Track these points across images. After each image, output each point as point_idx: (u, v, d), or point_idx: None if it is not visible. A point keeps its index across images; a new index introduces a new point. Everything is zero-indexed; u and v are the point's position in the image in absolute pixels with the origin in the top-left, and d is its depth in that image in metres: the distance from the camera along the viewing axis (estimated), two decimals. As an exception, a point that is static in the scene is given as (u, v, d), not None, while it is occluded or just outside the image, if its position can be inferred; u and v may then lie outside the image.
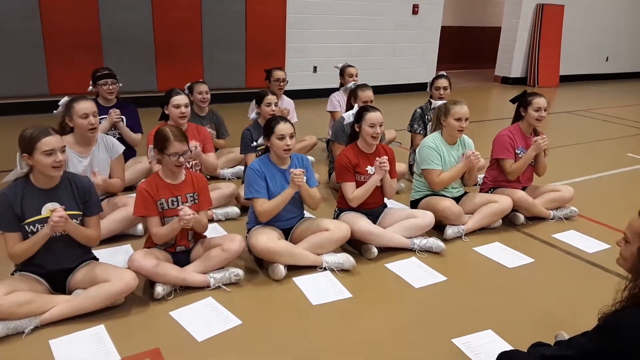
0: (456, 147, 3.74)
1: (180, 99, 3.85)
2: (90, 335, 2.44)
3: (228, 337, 2.50)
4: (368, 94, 4.43)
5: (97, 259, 2.77)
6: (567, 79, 11.89)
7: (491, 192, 3.95)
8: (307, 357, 2.38)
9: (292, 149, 3.11)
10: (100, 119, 4.16)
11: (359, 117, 3.39)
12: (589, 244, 3.64)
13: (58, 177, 2.52)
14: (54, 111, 3.49)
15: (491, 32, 12.95)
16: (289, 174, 3.04)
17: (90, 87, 4.36)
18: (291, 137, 3.07)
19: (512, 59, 11.23)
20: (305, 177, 3.01)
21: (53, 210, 2.42)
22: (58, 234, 2.53)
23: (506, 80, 11.39)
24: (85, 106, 3.29)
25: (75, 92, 3.55)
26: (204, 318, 2.62)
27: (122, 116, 4.27)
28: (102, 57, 6.85)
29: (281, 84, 5.10)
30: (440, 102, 3.91)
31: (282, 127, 3.04)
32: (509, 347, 2.40)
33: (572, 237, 3.74)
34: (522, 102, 3.93)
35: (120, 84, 4.44)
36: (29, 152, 2.41)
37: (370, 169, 3.38)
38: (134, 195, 2.92)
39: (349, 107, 4.52)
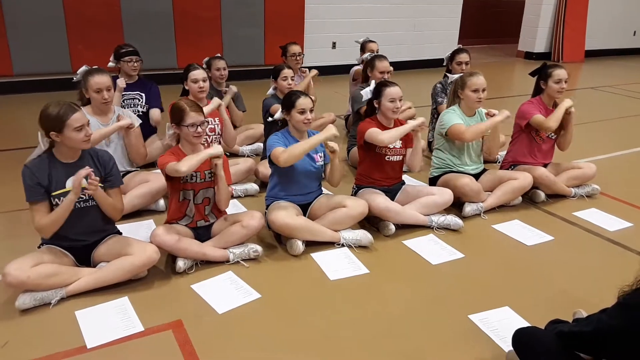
0: (475, 118, 3.70)
1: (198, 73, 3.87)
2: (114, 306, 2.51)
3: (248, 309, 2.55)
4: (385, 65, 4.39)
5: (120, 233, 2.84)
6: (592, 54, 11.58)
7: (511, 170, 3.91)
8: (324, 330, 2.42)
9: (311, 123, 3.15)
10: (124, 95, 4.22)
11: (377, 92, 3.38)
12: (610, 222, 3.60)
13: (82, 149, 2.58)
14: (73, 78, 3.52)
15: (514, 5, 12.61)
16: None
17: (111, 63, 4.35)
18: (311, 111, 3.11)
19: (536, 33, 10.96)
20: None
21: (85, 175, 2.44)
22: (83, 205, 2.58)
23: (529, 56, 11.14)
24: (99, 80, 3.32)
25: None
26: (224, 291, 2.67)
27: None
28: (123, 33, 6.88)
29: (297, 58, 5.08)
30: (456, 76, 3.86)
31: (302, 102, 3.07)
32: (526, 324, 2.41)
33: (593, 215, 3.70)
34: (542, 74, 3.86)
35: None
36: (57, 130, 2.45)
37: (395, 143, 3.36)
38: (156, 171, 2.96)
39: (365, 77, 4.49)
